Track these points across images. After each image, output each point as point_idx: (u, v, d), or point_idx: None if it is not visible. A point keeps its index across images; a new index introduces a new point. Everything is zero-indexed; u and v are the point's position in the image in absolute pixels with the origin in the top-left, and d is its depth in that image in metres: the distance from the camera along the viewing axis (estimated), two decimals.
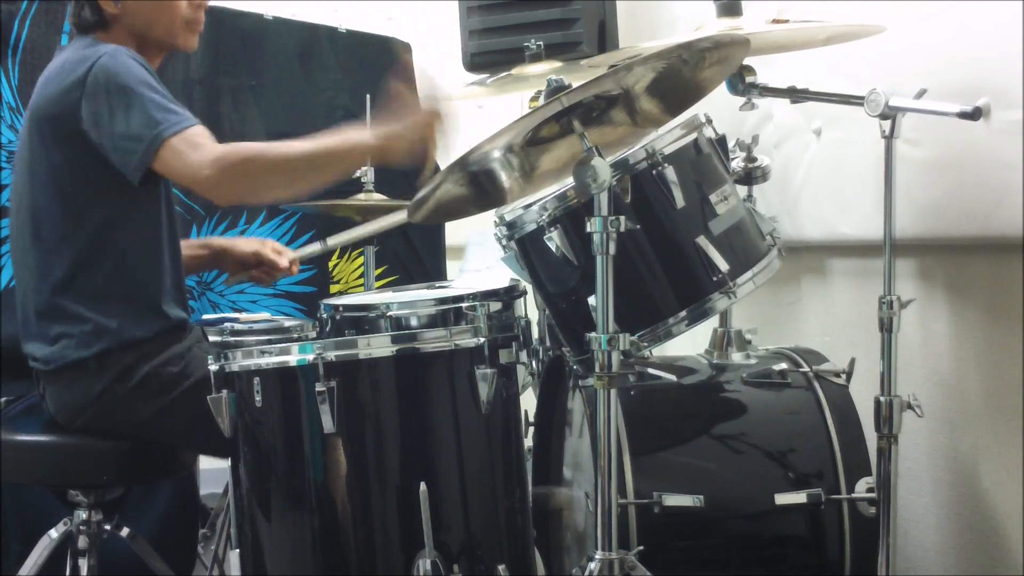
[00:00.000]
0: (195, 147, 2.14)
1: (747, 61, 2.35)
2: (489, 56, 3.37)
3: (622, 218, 1.94)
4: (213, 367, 2.11)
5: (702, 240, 2.13)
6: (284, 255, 2.68)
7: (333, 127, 2.91)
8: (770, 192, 2.84)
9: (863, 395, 2.30)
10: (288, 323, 2.92)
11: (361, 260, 3.32)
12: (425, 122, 2.21)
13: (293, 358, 2.06)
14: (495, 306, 2.42)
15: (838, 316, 2.89)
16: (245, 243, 2.67)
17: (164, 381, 2.28)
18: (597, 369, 1.97)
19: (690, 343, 2.51)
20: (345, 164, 2.33)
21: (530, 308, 2.61)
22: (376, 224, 2.91)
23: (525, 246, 2.26)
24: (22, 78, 2.99)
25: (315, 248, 2.94)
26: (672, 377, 2.43)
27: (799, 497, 2.26)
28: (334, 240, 2.93)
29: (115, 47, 2.25)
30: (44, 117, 2.26)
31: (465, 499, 2.10)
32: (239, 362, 2.10)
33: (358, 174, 3.01)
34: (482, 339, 2.07)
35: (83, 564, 2.39)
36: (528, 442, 2.60)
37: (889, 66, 2.47)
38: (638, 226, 2.04)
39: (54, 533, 2.43)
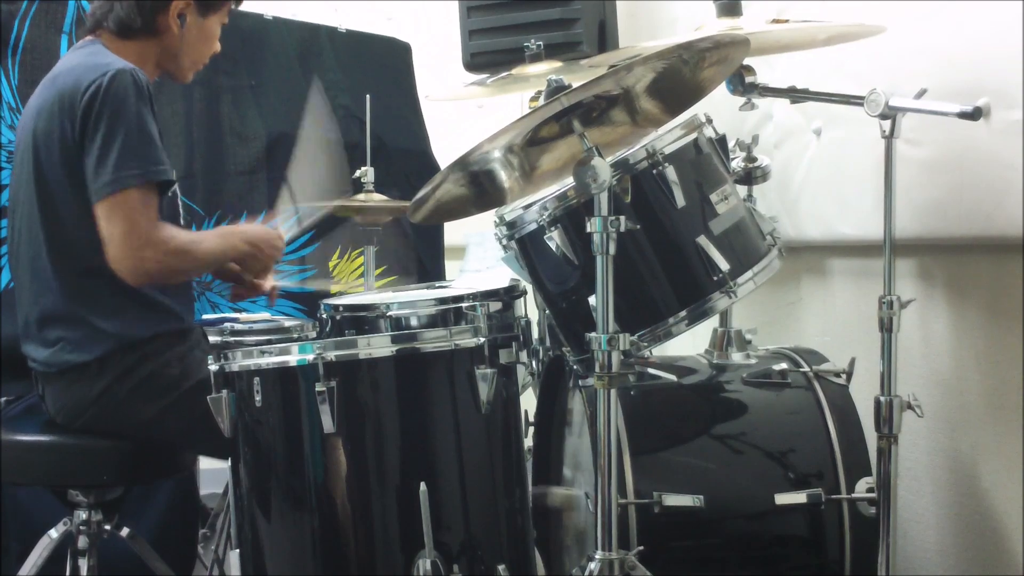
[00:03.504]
0: (147, 216, 2.19)
1: (747, 61, 2.35)
2: (489, 56, 3.38)
3: (622, 218, 1.94)
4: (213, 367, 2.11)
5: (702, 240, 2.13)
6: (268, 280, 2.68)
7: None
8: (770, 192, 2.84)
9: (863, 395, 2.30)
10: (288, 323, 2.92)
11: (361, 260, 3.32)
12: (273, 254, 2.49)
13: (293, 358, 2.06)
14: (495, 306, 2.42)
15: (838, 316, 2.89)
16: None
17: (164, 382, 2.28)
18: (597, 369, 1.97)
19: (690, 343, 2.51)
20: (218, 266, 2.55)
21: (530, 308, 2.61)
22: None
23: (525, 246, 2.26)
24: (22, 78, 2.99)
25: (291, 282, 3.14)
26: (672, 377, 2.43)
27: (799, 497, 2.26)
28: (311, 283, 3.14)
29: (129, 66, 2.24)
30: (48, 120, 2.26)
31: (465, 499, 2.10)
32: (239, 362, 2.10)
33: (357, 174, 3.01)
34: (482, 339, 2.07)
35: (83, 564, 2.39)
36: (528, 442, 2.60)
37: (889, 66, 2.47)
38: (638, 226, 2.03)
39: (54, 533, 2.43)
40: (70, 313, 2.27)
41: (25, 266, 2.33)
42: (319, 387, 1.99)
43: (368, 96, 3.16)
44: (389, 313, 2.40)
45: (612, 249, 1.94)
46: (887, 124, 2.15)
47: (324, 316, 2.53)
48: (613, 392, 1.98)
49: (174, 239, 2.24)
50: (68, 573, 2.44)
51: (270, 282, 2.66)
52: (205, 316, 3.05)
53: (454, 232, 3.35)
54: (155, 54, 2.39)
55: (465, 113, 4.00)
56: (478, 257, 2.94)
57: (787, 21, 2.31)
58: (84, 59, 2.29)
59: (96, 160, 2.18)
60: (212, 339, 2.60)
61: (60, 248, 2.27)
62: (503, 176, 2.25)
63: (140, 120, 2.20)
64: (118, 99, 2.19)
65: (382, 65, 3.78)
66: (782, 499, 2.26)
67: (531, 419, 2.70)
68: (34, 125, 2.29)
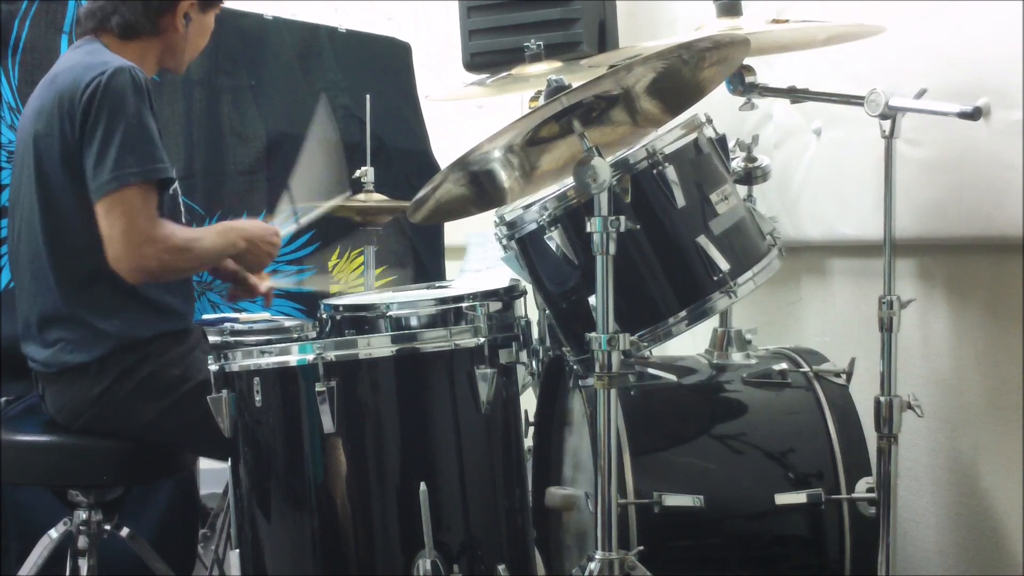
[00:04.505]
0: (146, 214, 2.19)
1: (747, 61, 2.35)
2: (489, 56, 3.38)
3: (622, 218, 1.94)
4: (213, 367, 2.11)
5: (702, 240, 2.13)
6: (264, 281, 2.68)
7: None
8: (770, 192, 2.84)
9: (863, 395, 2.30)
10: (288, 323, 2.92)
11: (361, 260, 3.33)
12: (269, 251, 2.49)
13: (293, 358, 2.06)
14: (495, 306, 2.42)
15: (838, 316, 2.89)
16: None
17: (165, 383, 2.28)
18: (597, 369, 1.97)
19: (690, 343, 2.51)
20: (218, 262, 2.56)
21: (530, 308, 2.61)
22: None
23: (525, 246, 2.26)
24: (22, 78, 2.99)
25: (288, 282, 3.15)
26: (672, 377, 2.43)
27: (799, 497, 2.26)
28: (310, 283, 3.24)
29: (128, 64, 2.24)
30: (48, 121, 2.26)
31: (465, 499, 2.10)
32: (239, 362, 2.10)
33: (357, 174, 3.02)
34: (482, 339, 2.07)
35: (83, 564, 2.39)
36: (528, 442, 2.60)
37: (889, 66, 2.47)
38: (638, 226, 2.03)
39: (54, 533, 2.43)
40: (70, 314, 2.27)
41: (25, 267, 2.33)
42: (319, 387, 2.00)
43: (368, 96, 3.16)
44: (389, 313, 2.40)
45: (612, 249, 1.94)
46: (887, 124, 2.15)
47: (324, 316, 2.53)
48: (613, 392, 1.98)
49: (173, 236, 2.25)
50: (68, 573, 2.44)
51: (267, 283, 2.67)
52: (205, 316, 3.04)
53: (454, 232, 3.35)
54: (157, 52, 2.40)
55: (465, 113, 4.00)
56: (478, 257, 2.93)
57: (787, 21, 2.31)
58: (82, 58, 2.29)
59: (95, 158, 2.18)
60: (212, 339, 2.60)
61: (60, 249, 2.27)
62: (503, 176, 2.25)
63: (139, 117, 2.20)
64: (117, 97, 2.19)
65: (382, 65, 3.78)
66: (782, 499, 2.26)
67: (531, 419, 2.70)
68: (34, 126, 2.29)
